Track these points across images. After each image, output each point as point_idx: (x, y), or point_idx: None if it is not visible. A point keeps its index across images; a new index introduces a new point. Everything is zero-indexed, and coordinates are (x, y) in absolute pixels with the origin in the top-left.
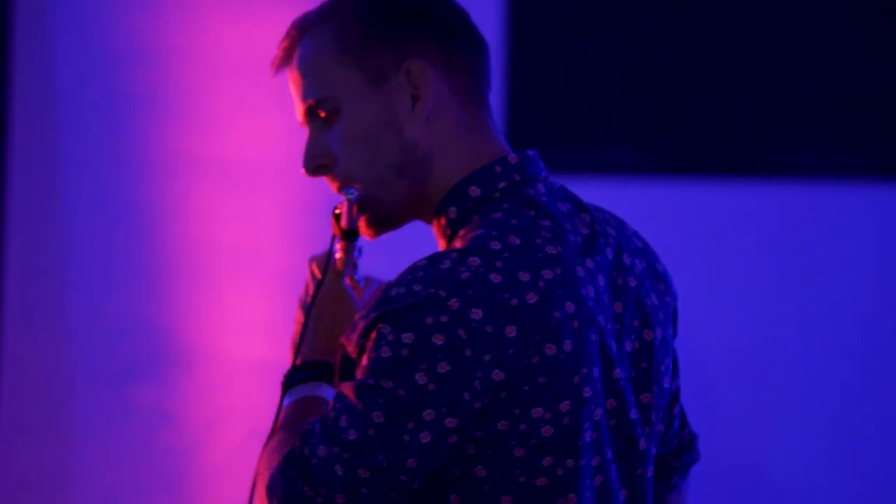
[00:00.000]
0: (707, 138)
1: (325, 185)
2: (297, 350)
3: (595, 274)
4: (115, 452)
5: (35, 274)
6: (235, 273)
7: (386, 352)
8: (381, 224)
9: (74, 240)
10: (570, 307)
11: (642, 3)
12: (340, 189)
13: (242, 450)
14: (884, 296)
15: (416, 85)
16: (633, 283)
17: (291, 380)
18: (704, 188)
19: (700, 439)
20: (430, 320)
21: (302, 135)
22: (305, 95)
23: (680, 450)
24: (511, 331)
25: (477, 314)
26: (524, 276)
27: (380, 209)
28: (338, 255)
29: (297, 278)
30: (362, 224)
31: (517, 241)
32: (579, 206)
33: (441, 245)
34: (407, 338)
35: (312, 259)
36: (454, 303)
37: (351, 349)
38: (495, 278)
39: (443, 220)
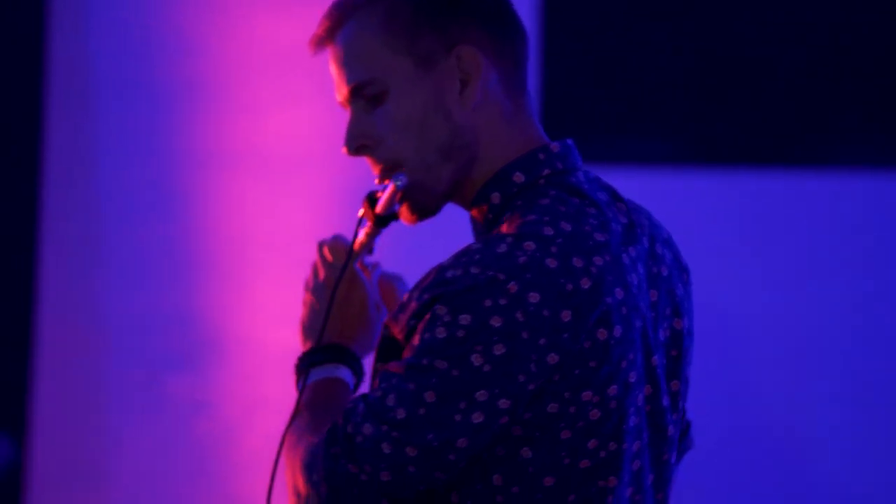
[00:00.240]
0: (743, 128)
1: (358, 177)
2: (314, 333)
3: (636, 262)
4: (150, 442)
5: (70, 265)
6: (269, 264)
7: (441, 332)
8: (423, 211)
9: (109, 231)
10: (619, 293)
11: None
12: (384, 173)
13: (276, 438)
14: None
15: (467, 70)
16: (665, 273)
17: (310, 361)
18: (740, 178)
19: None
20: (488, 303)
21: (336, 125)
22: (350, 77)
23: (680, 437)
24: (566, 315)
25: (534, 298)
26: (577, 262)
27: (423, 195)
28: (358, 239)
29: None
30: (404, 210)
31: (568, 228)
32: (615, 195)
33: (476, 231)
34: (464, 319)
35: (323, 243)
36: (513, 286)
37: (398, 330)
38: (551, 263)
39: (484, 206)
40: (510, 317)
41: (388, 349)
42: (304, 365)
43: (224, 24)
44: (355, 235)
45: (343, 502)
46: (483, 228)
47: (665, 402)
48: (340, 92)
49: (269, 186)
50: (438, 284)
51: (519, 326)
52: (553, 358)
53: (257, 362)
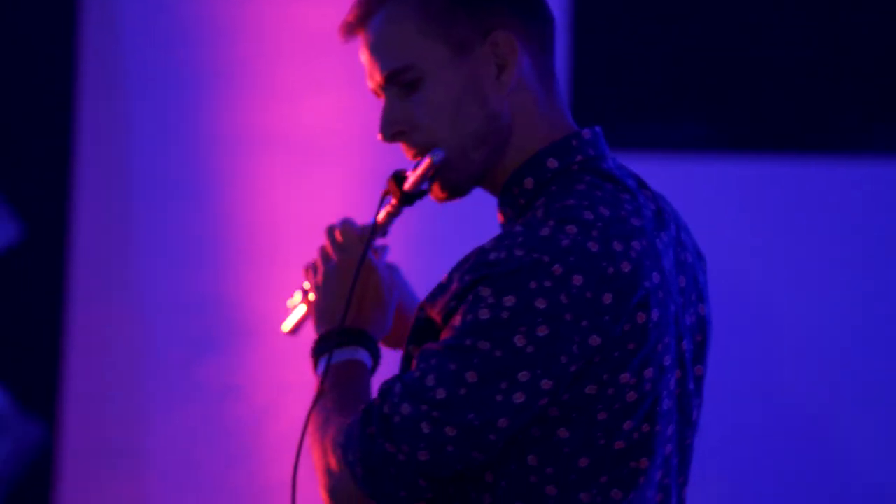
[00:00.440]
0: (777, 114)
1: (387, 161)
2: (329, 316)
3: (667, 247)
4: (181, 425)
5: (102, 249)
6: (300, 248)
7: (485, 314)
8: (454, 190)
9: (141, 216)
10: (656, 278)
11: None
12: (419, 153)
13: None
14: None
15: (503, 56)
16: (689, 259)
17: (332, 343)
18: (774, 164)
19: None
20: (533, 285)
21: (365, 110)
22: (385, 64)
23: None
24: (607, 298)
25: (578, 280)
26: (617, 246)
27: (456, 175)
28: (379, 218)
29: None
30: (435, 187)
31: (607, 213)
32: (640, 182)
33: (505, 216)
34: (508, 301)
35: (332, 228)
36: (557, 269)
37: (436, 312)
38: (593, 247)
39: (515, 190)
40: (554, 299)
41: (423, 332)
42: (324, 347)
43: (255, 10)
44: (377, 214)
45: (379, 482)
46: (513, 213)
47: (691, 386)
48: (373, 79)
49: (301, 171)
50: (481, 266)
51: (562, 308)
52: (595, 340)
53: (288, 346)
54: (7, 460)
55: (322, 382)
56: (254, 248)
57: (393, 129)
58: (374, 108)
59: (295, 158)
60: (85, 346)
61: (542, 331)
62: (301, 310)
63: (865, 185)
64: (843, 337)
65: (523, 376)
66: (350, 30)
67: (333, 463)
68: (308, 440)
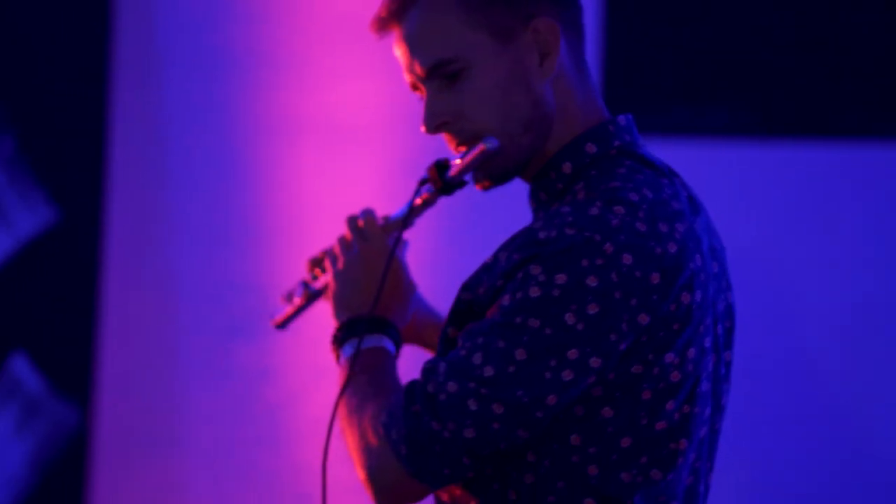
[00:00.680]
0: (806, 99)
1: (422, 147)
2: (348, 305)
3: (703, 233)
4: (216, 408)
5: (138, 234)
6: (334, 233)
7: (535, 291)
8: (501, 177)
9: (176, 200)
10: (698, 260)
11: None
12: (464, 143)
13: None
14: None
15: (545, 43)
16: (718, 246)
17: (360, 329)
18: (803, 149)
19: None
20: (585, 262)
21: (402, 96)
22: (428, 56)
23: None
24: (655, 277)
25: (628, 259)
26: (663, 227)
27: (504, 163)
28: (415, 206)
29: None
30: (480, 176)
31: (650, 195)
32: (671, 169)
33: (538, 201)
34: (560, 278)
35: (354, 217)
36: (608, 247)
37: (482, 291)
38: (641, 227)
39: (552, 174)
40: (605, 277)
41: (464, 314)
42: (351, 333)
43: None
44: (412, 202)
45: (424, 460)
46: (548, 198)
47: (722, 370)
48: (412, 72)
49: (335, 156)
50: (531, 245)
51: (613, 286)
52: (643, 318)
53: (322, 329)
54: (42, 444)
55: (352, 367)
56: (286, 233)
57: (438, 121)
58: (406, 94)
59: (328, 144)
60: (119, 330)
61: (593, 309)
62: (296, 304)
63: None
64: (873, 323)
65: (572, 354)
66: (383, 24)
67: (374, 442)
68: (340, 423)
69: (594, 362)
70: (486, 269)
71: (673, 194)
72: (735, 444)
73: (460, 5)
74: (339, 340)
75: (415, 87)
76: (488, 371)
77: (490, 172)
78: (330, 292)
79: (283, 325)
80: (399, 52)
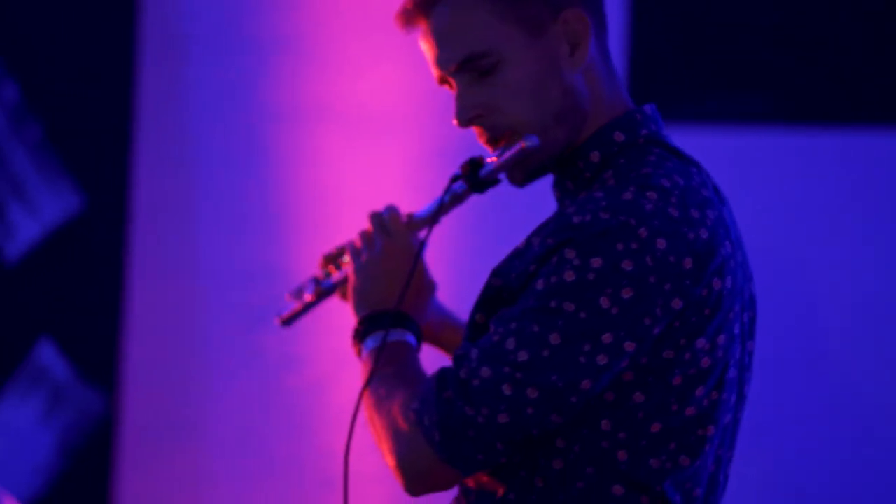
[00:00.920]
0: (839, 84)
1: (447, 134)
2: (369, 300)
3: (731, 221)
4: (241, 395)
5: (164, 220)
6: (359, 220)
7: (570, 275)
8: (536, 173)
9: (201, 187)
10: (727, 247)
11: None
12: (501, 139)
13: None
14: None
15: (576, 33)
16: (741, 237)
17: (385, 323)
18: (835, 136)
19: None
20: (620, 246)
21: (428, 84)
22: (459, 50)
23: None
24: (688, 262)
25: (662, 244)
26: (695, 213)
27: (540, 158)
28: (445, 205)
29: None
30: (516, 172)
31: (681, 182)
32: (695, 159)
33: (563, 190)
34: (595, 262)
35: (377, 214)
36: (643, 231)
37: (514, 276)
38: (674, 212)
39: (580, 163)
40: (640, 261)
41: (494, 300)
42: (376, 327)
43: None
44: (441, 201)
45: (457, 445)
46: (575, 187)
47: (746, 359)
48: (441, 66)
49: (360, 143)
50: (565, 229)
51: (647, 271)
52: (677, 303)
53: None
54: (68, 430)
55: (377, 358)
56: (312, 220)
57: (471, 114)
58: (432, 82)
59: (354, 131)
60: (144, 317)
61: (627, 293)
62: (306, 301)
63: None
64: None
65: (607, 338)
66: (409, 18)
67: (406, 429)
68: (366, 413)
69: (628, 346)
70: (518, 255)
71: (701, 182)
72: (749, 438)
73: None
74: (360, 335)
75: (443, 81)
76: (522, 356)
77: (526, 169)
78: (350, 287)
79: (288, 322)
80: (426, 46)
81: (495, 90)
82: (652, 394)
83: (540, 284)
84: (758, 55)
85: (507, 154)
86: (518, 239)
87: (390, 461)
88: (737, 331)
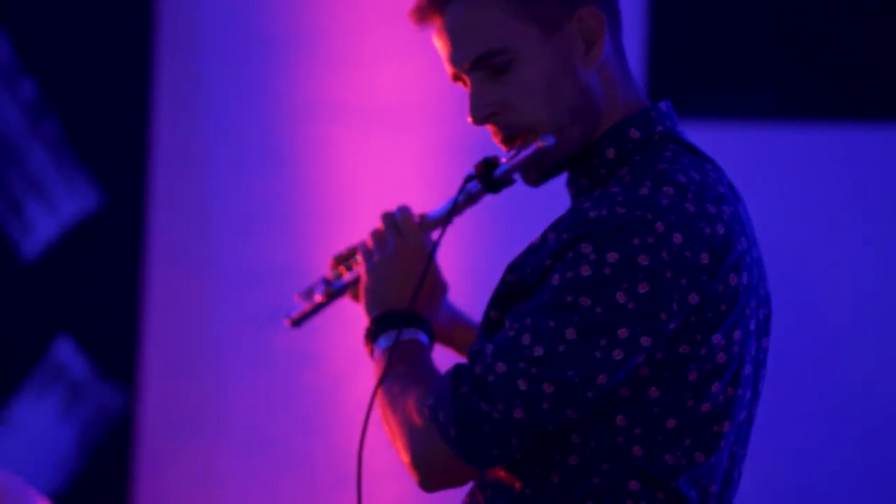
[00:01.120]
0: (854, 81)
1: (465, 130)
2: (381, 300)
3: (746, 218)
4: (257, 392)
5: (181, 217)
6: (375, 216)
7: (586, 270)
8: (552, 171)
9: (218, 184)
10: (743, 243)
11: None
12: (516, 138)
13: None
14: None
15: (591, 31)
16: (754, 234)
17: (398, 322)
18: (849, 132)
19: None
20: (636, 241)
21: (446, 80)
22: (473, 47)
23: None
24: (705, 258)
25: (678, 239)
26: (711, 209)
27: (556, 157)
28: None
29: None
30: (532, 172)
31: (697, 177)
32: (708, 156)
33: (578, 187)
34: (611, 257)
35: (389, 214)
36: (660, 226)
37: (529, 272)
38: (690, 207)
39: (595, 160)
40: (657, 256)
41: (508, 296)
42: (389, 326)
43: None
44: (455, 201)
45: (472, 441)
46: (590, 184)
47: (761, 356)
48: (455, 63)
49: (377, 139)
50: (581, 224)
51: (664, 265)
52: (693, 298)
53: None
54: (87, 427)
55: (390, 357)
56: (328, 217)
57: (486, 112)
58: (448, 78)
59: (372, 126)
60: (162, 314)
61: (643, 287)
62: (316, 302)
63: None
64: None
65: (623, 333)
66: (423, 14)
67: (421, 425)
68: (380, 411)
69: (644, 341)
70: (533, 250)
71: (717, 178)
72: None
73: None
74: (373, 334)
75: (456, 78)
76: (538, 351)
77: (541, 169)
78: (362, 287)
79: (298, 323)
80: (439, 43)
81: (510, 88)
82: (667, 389)
83: (555, 279)
84: (768, 53)
85: (523, 154)
86: (531, 237)
87: (405, 458)
88: (752, 327)
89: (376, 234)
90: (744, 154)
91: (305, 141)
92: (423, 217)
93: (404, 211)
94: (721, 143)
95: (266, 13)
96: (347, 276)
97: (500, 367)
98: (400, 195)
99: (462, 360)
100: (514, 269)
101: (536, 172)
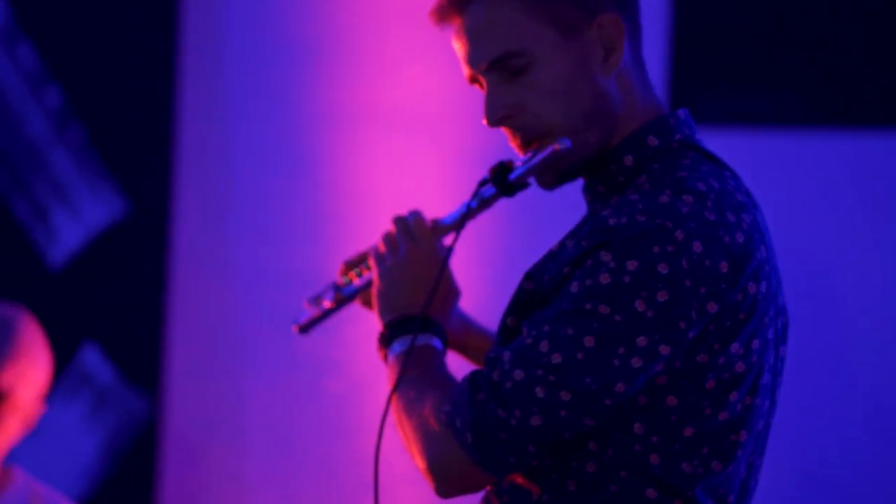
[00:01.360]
0: (876, 87)
1: (490, 137)
2: (393, 305)
3: (765, 227)
4: (282, 399)
5: (206, 225)
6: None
7: (605, 278)
8: (568, 175)
9: (243, 190)
10: (763, 252)
11: None
12: (532, 141)
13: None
14: None
15: (610, 38)
16: (772, 243)
17: (413, 327)
18: (872, 139)
19: None
20: (656, 249)
21: (465, 86)
22: (491, 49)
23: None
24: (724, 266)
25: (698, 247)
26: (731, 217)
27: (571, 161)
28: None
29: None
30: (547, 176)
31: (717, 186)
32: (726, 163)
33: (595, 194)
34: (631, 265)
35: (401, 218)
36: (679, 234)
37: (547, 279)
38: (710, 216)
39: (613, 167)
40: (676, 264)
41: (525, 304)
42: (403, 331)
43: None
44: (468, 206)
45: (489, 448)
46: (607, 191)
47: (778, 365)
48: (472, 65)
49: (399, 143)
50: (601, 231)
51: (683, 274)
52: (712, 307)
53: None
54: (113, 434)
55: (405, 362)
56: (352, 223)
57: (500, 114)
58: (466, 80)
59: (394, 130)
60: (187, 320)
61: (662, 296)
62: (325, 308)
63: None
64: None
65: (641, 341)
66: (444, 14)
67: (437, 431)
68: (396, 416)
69: (663, 350)
70: (551, 258)
71: (736, 186)
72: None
73: None
74: (387, 339)
75: (473, 80)
76: (556, 358)
77: (557, 172)
78: (375, 291)
79: (306, 329)
80: (458, 44)
81: (525, 91)
82: (685, 398)
83: (574, 287)
84: (790, 55)
85: (539, 156)
86: (545, 242)
87: (421, 464)
88: (770, 336)
89: (388, 239)
90: (769, 160)
91: (329, 147)
92: (436, 221)
93: (416, 215)
94: (746, 149)
95: (288, 19)
96: (357, 282)
97: (518, 373)
98: (421, 200)
99: (472, 366)
100: (531, 276)
101: (552, 176)
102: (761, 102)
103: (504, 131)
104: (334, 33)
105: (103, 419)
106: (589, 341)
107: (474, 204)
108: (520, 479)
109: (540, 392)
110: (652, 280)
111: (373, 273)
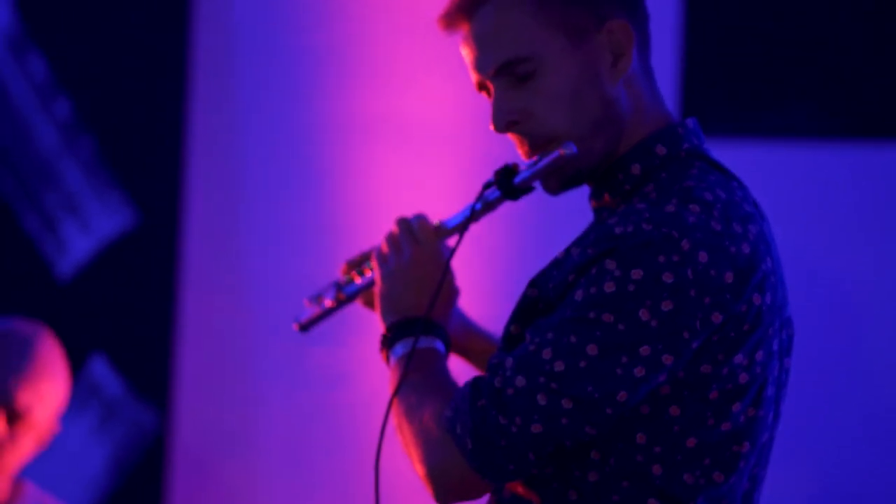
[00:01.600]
0: (888, 99)
1: (501, 147)
2: (396, 307)
3: (771, 238)
4: (293, 411)
5: (216, 236)
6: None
7: (610, 286)
8: (572, 181)
9: (253, 202)
10: (768, 263)
11: None
12: (538, 147)
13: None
14: None
15: (619, 44)
16: (779, 254)
17: (416, 330)
18: (882, 151)
19: None
20: (662, 258)
21: (477, 95)
22: (500, 54)
23: None
24: (729, 277)
25: (703, 257)
26: (737, 228)
27: (577, 166)
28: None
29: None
30: (552, 181)
31: (723, 196)
32: (733, 174)
33: (601, 203)
34: (636, 274)
35: (405, 220)
36: (685, 244)
37: (551, 286)
38: (716, 226)
39: (620, 175)
40: (681, 274)
41: (529, 311)
42: (405, 333)
43: None
44: (473, 208)
45: (489, 454)
46: (613, 198)
47: (783, 377)
48: (480, 69)
49: (410, 154)
50: (607, 239)
51: (688, 284)
52: (717, 317)
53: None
54: (121, 446)
55: (406, 365)
56: (363, 234)
57: (507, 119)
58: (474, 87)
59: (405, 141)
60: (197, 332)
61: (667, 305)
62: (326, 307)
63: None
64: None
65: (645, 350)
66: (452, 20)
67: (437, 437)
68: (396, 421)
69: (666, 359)
70: (556, 265)
71: (743, 197)
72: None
73: (535, 4)
74: (389, 341)
75: (481, 87)
76: (559, 366)
77: (562, 177)
78: (377, 293)
79: (306, 328)
80: (466, 50)
81: (532, 96)
82: (688, 408)
83: (579, 295)
84: (804, 67)
85: (545, 161)
86: (550, 249)
87: (420, 469)
88: (775, 347)
89: (392, 240)
90: (780, 172)
91: (340, 157)
92: (440, 224)
93: (420, 218)
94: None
95: (300, 30)
96: (359, 281)
97: (520, 380)
98: (432, 210)
99: (470, 367)
100: (535, 283)
101: (557, 180)
102: (773, 115)
103: (511, 138)
104: (346, 45)
105: (112, 431)
106: (592, 349)
107: (478, 206)
108: (520, 489)
109: (542, 399)
110: (657, 289)
111: (375, 274)
